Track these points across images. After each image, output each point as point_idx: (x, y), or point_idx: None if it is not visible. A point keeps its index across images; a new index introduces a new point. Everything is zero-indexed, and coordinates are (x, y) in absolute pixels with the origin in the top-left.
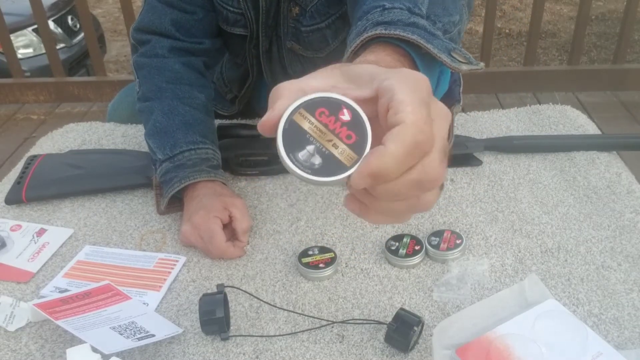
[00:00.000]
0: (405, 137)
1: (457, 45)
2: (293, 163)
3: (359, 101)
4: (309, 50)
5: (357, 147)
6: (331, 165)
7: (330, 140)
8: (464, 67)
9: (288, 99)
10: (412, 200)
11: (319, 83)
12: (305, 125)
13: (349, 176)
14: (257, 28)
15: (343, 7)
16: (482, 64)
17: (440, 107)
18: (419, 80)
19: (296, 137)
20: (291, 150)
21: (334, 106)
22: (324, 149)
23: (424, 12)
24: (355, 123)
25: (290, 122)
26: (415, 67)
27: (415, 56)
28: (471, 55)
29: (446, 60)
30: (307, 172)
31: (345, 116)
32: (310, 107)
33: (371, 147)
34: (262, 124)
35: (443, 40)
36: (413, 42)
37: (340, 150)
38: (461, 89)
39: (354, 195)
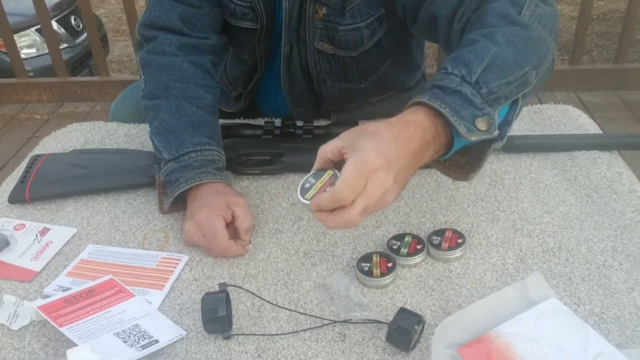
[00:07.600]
0: (332, 192)
1: (492, 110)
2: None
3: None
4: (342, 49)
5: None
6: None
7: (316, 189)
8: (473, 138)
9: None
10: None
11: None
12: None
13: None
14: (267, 21)
15: (381, 9)
16: (497, 138)
17: (379, 179)
18: (367, 161)
19: (304, 186)
20: (302, 191)
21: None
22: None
23: (474, 79)
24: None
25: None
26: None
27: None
28: (495, 122)
29: (462, 130)
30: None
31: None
32: (317, 175)
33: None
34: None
35: (476, 108)
36: (444, 114)
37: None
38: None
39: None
